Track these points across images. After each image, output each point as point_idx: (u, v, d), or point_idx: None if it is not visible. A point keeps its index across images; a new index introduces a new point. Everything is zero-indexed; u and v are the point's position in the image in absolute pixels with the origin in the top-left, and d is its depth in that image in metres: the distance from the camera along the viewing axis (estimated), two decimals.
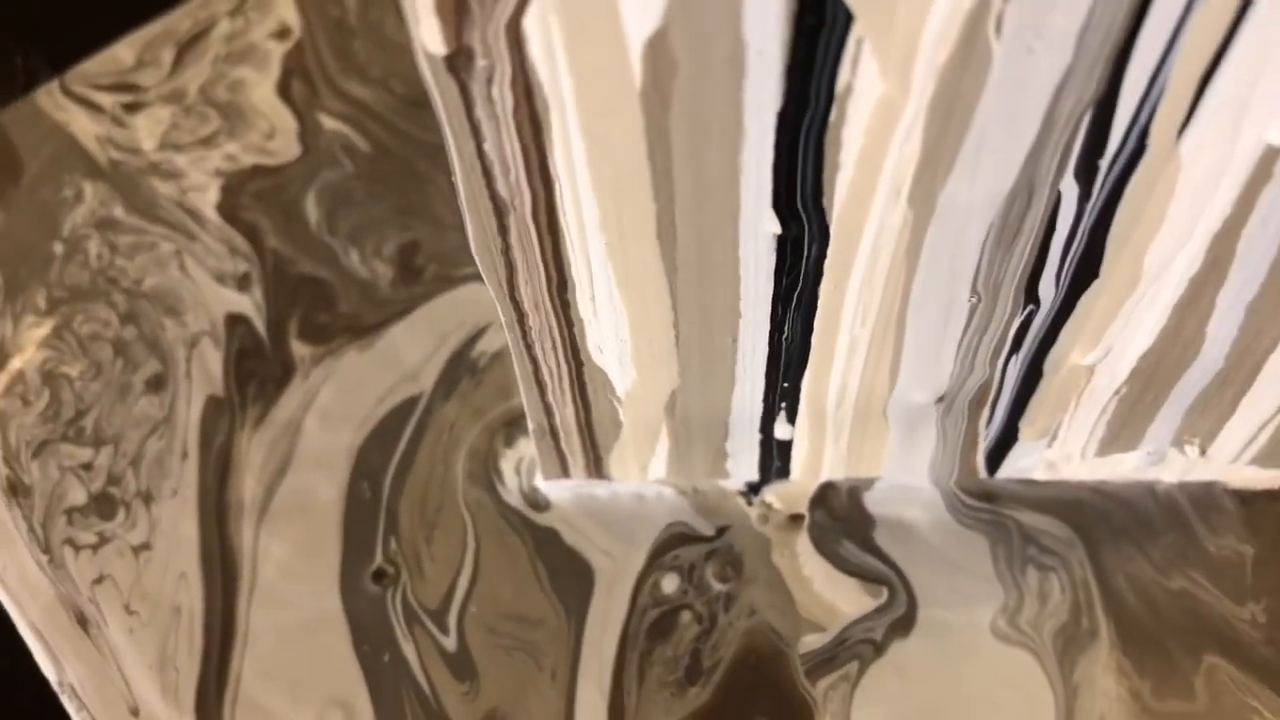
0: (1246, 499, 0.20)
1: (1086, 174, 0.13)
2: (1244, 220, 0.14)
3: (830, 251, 0.15)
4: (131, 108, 0.26)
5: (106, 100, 0.26)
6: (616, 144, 0.13)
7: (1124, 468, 0.20)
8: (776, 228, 0.14)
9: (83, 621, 0.21)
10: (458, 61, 0.12)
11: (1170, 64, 0.12)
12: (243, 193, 0.25)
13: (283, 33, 0.27)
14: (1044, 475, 0.20)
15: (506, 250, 0.15)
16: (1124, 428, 0.18)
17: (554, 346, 0.17)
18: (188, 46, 0.27)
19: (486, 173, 0.14)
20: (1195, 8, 0.12)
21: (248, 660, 0.20)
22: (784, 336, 0.16)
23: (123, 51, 0.27)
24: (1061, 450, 0.19)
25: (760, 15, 0.12)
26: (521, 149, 0.13)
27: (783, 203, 0.14)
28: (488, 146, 0.13)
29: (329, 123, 0.26)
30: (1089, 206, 0.14)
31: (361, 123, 0.26)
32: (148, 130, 0.26)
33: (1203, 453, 0.19)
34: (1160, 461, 0.19)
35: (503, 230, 0.15)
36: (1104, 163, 0.13)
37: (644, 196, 0.14)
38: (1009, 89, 0.12)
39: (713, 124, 0.13)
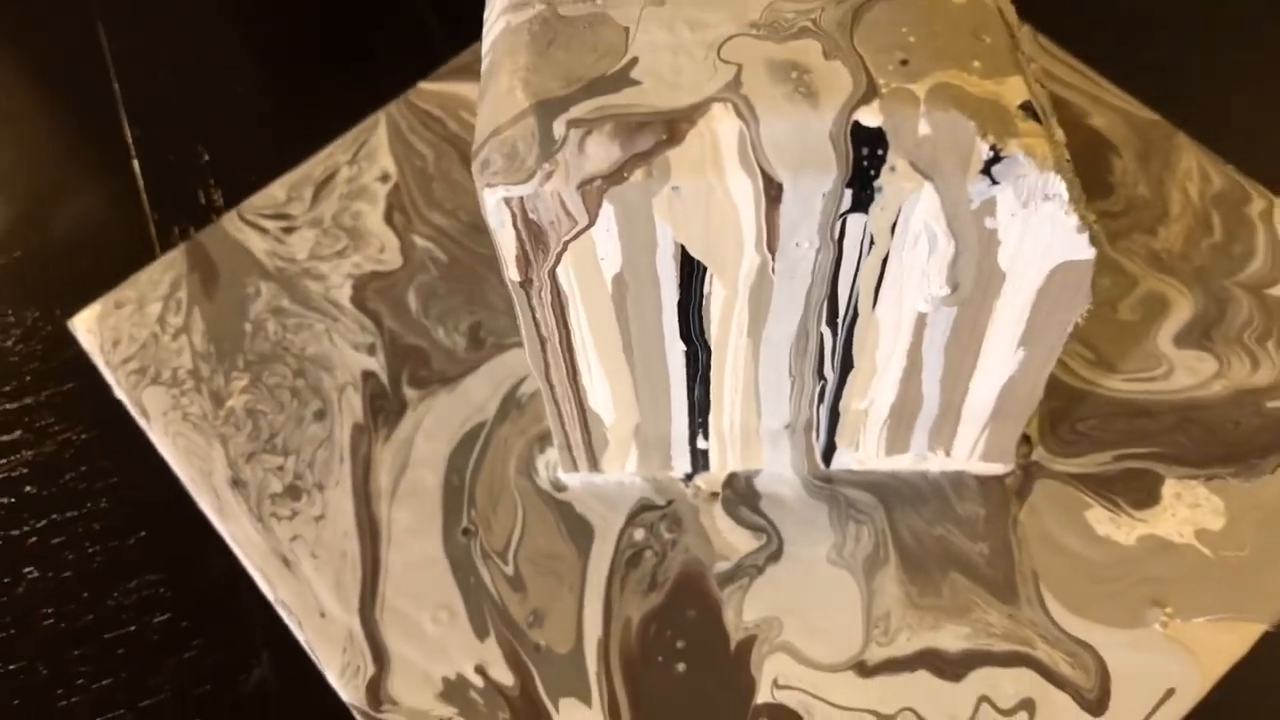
0: (982, 480, 0.34)
1: (831, 324, 0.27)
2: (920, 342, 0.28)
3: (713, 360, 0.28)
4: (287, 230, 0.40)
5: (270, 225, 0.40)
6: (601, 315, 0.27)
7: (905, 462, 0.33)
8: (683, 347, 0.28)
9: (286, 563, 0.34)
10: (524, 283, 0.26)
11: (859, 278, 0.26)
12: (366, 289, 0.38)
13: (385, 177, 0.40)
14: (858, 467, 0.33)
15: (544, 355, 0.29)
16: (896, 441, 0.32)
17: (568, 398, 0.31)
18: (321, 186, 0.40)
19: (535, 324, 0.27)
20: (865, 258, 0.25)
21: (388, 584, 0.34)
22: (695, 395, 0.30)
23: (277, 190, 0.41)
24: (864, 452, 0.33)
25: (666, 266, 0.25)
26: (554, 316, 0.27)
27: (685, 336, 0.27)
28: (537, 315, 0.27)
29: (420, 241, 0.39)
30: (838, 338, 0.27)
31: (441, 241, 0.39)
32: (300, 246, 0.39)
33: (948, 454, 0.33)
34: (925, 460, 0.33)
35: (543, 347, 0.28)
36: (839, 320, 0.27)
37: (615, 336, 0.27)
38: (785, 289, 0.26)
39: (647, 306, 0.26)
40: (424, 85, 0.42)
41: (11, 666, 0.33)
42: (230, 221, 0.40)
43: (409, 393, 0.36)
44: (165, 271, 0.39)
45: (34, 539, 0.35)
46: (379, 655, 0.32)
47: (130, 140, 0.42)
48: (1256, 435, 0.34)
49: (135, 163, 0.42)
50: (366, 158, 0.41)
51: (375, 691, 0.31)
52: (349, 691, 0.32)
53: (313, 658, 0.32)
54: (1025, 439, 0.34)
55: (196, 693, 0.32)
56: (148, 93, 0.44)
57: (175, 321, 0.38)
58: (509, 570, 0.33)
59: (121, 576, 0.34)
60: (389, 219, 0.39)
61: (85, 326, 0.38)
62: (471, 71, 0.42)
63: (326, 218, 0.39)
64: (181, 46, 0.45)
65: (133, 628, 0.33)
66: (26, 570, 0.34)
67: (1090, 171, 0.38)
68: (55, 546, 0.35)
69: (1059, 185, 0.22)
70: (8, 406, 0.37)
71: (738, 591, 0.32)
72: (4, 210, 0.41)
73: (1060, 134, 0.24)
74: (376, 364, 0.37)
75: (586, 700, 0.31)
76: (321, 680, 0.32)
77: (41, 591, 0.34)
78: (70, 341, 0.38)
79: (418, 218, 0.39)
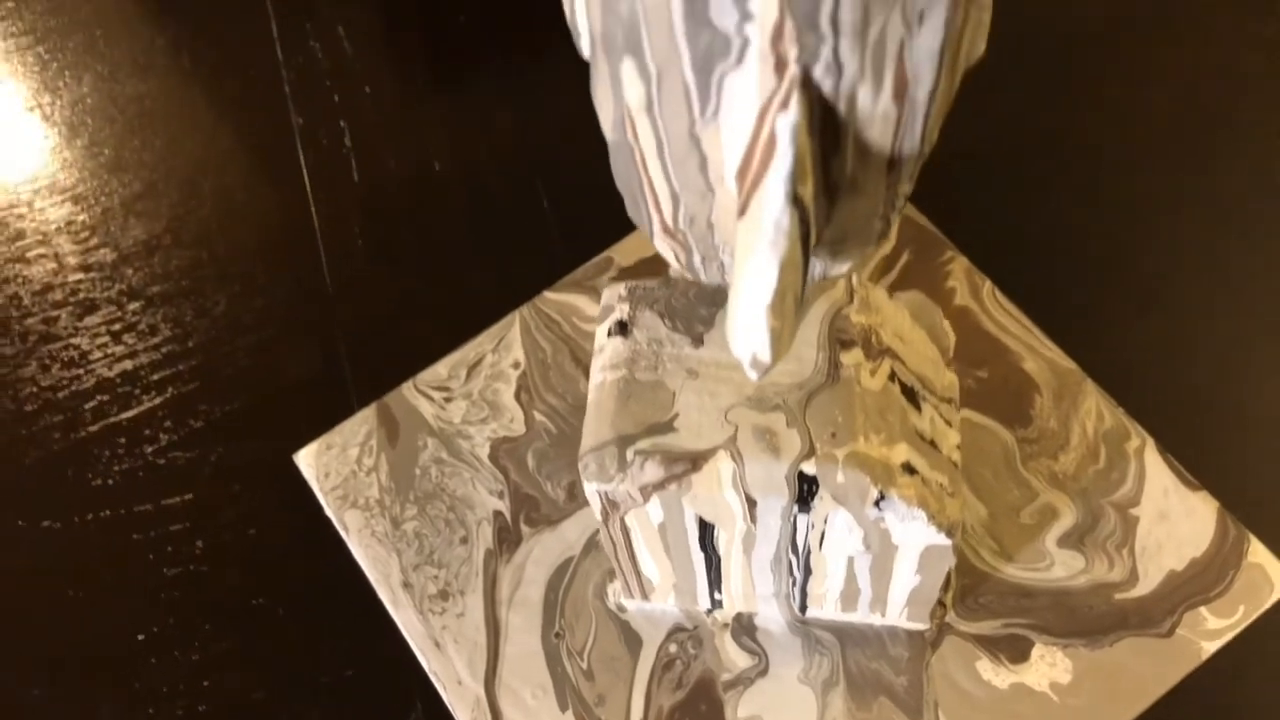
0: (909, 632, 0.49)
1: (794, 554, 0.43)
2: (853, 567, 0.43)
3: (722, 563, 0.44)
4: (447, 399, 0.56)
5: (435, 395, 0.56)
6: (650, 538, 0.43)
7: (855, 616, 0.49)
8: (703, 555, 0.44)
9: (437, 645, 0.51)
10: (605, 521, 0.42)
11: (809, 538, 0.41)
12: (499, 450, 0.55)
13: (516, 364, 0.57)
14: (824, 616, 0.49)
15: (614, 546, 0.45)
16: (847, 606, 0.48)
17: (630, 567, 0.47)
18: (472, 368, 0.57)
19: (610, 536, 0.43)
20: (811, 531, 0.41)
21: (504, 666, 0.50)
22: (711, 576, 0.46)
23: (441, 368, 0.57)
24: (827, 609, 0.48)
25: (690, 521, 0.41)
26: (622, 535, 0.43)
27: (703, 549, 0.43)
28: (612, 534, 0.43)
29: (538, 415, 0.55)
30: (799, 562, 0.43)
31: (553, 417, 0.55)
32: (455, 412, 0.56)
33: (883, 615, 0.48)
34: (868, 617, 0.49)
35: (614, 544, 0.44)
36: (799, 554, 0.42)
37: (659, 547, 0.43)
38: (763, 540, 0.42)
39: (678, 537, 0.42)
40: (548, 294, 0.58)
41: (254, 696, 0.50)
42: (408, 389, 0.56)
43: (524, 529, 0.53)
44: (361, 424, 0.56)
45: (264, 611, 0.52)
46: (496, 716, 0.49)
47: (333, 320, 0.59)
48: (1104, 618, 0.49)
49: (339, 338, 0.59)
50: (504, 348, 0.57)
51: None
52: None
53: (452, 712, 0.49)
54: (942, 604, 0.49)
55: None
56: (347, 275, 0.60)
57: (368, 462, 0.55)
58: (584, 665, 0.50)
59: (326, 645, 0.51)
60: (518, 397, 0.56)
61: (306, 460, 0.55)
62: (582, 286, 0.58)
63: (474, 392, 0.56)
64: (374, 237, 0.62)
65: (326, 679, 0.51)
66: (244, 631, 0.52)
67: (1016, 405, 0.53)
68: (280, 618, 0.52)
69: (922, 514, 0.38)
70: (247, 514, 0.55)
71: (735, 695, 0.49)
72: (244, 362, 0.59)
73: (949, 447, 0.40)
74: (504, 506, 0.53)
75: None
76: None
77: (261, 652, 0.51)
78: (295, 470, 0.55)
79: (538, 397, 0.56)
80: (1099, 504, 0.51)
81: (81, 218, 0.63)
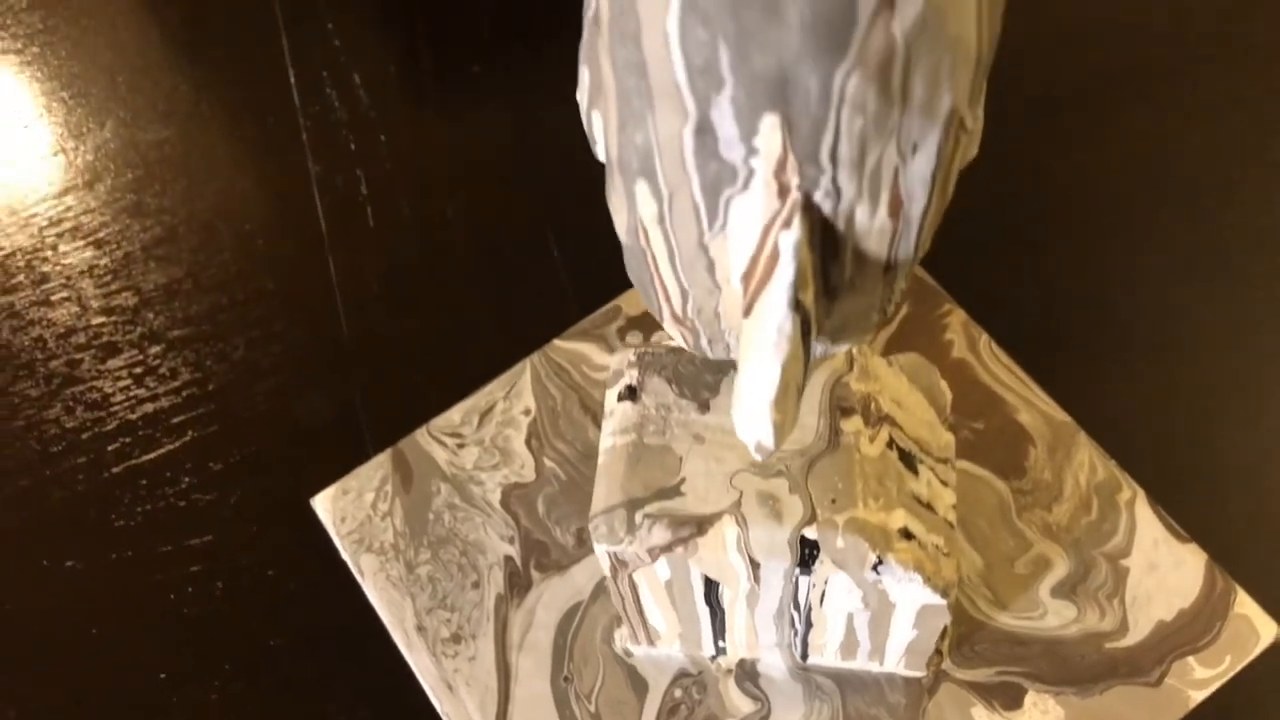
0: (906, 679, 0.51)
1: (796, 609, 0.44)
2: (852, 623, 0.45)
3: (725, 615, 0.46)
4: (460, 446, 0.58)
5: (448, 441, 0.58)
6: (658, 594, 0.44)
7: (855, 664, 0.51)
8: (708, 608, 0.46)
9: (449, 687, 0.53)
10: (614, 578, 0.44)
11: (810, 596, 0.43)
12: (510, 496, 0.56)
13: (527, 411, 0.59)
14: (825, 664, 0.51)
15: (622, 599, 0.47)
16: (847, 654, 0.49)
17: (636, 615, 0.49)
18: (484, 415, 0.59)
19: (619, 590, 0.45)
20: (811, 590, 0.42)
21: (514, 709, 0.52)
22: (715, 626, 0.48)
23: (454, 414, 0.59)
24: (827, 657, 0.50)
25: (696, 579, 0.43)
26: (630, 590, 0.45)
27: (708, 603, 0.45)
28: (621, 589, 0.45)
29: (548, 462, 0.57)
30: (801, 616, 0.45)
31: (562, 464, 0.57)
32: (468, 458, 0.58)
33: (882, 663, 0.50)
34: (867, 664, 0.50)
35: (623, 597, 0.46)
36: (800, 609, 0.44)
37: (666, 601, 0.45)
38: (766, 597, 0.43)
39: (684, 592, 0.44)
40: (558, 342, 0.60)
41: None
42: (422, 435, 0.58)
43: (534, 574, 0.54)
44: (376, 470, 0.57)
45: (281, 651, 0.54)
46: None
47: (349, 365, 0.61)
48: (1094, 666, 0.50)
49: (354, 382, 0.60)
50: (515, 395, 0.59)
51: None
52: None
53: None
54: (939, 652, 0.51)
55: None
56: (362, 320, 0.62)
57: (383, 507, 0.57)
58: (592, 708, 0.51)
59: (341, 686, 0.53)
60: (528, 443, 0.57)
61: (323, 505, 0.57)
62: (590, 335, 0.60)
63: (486, 439, 0.58)
64: (389, 283, 0.63)
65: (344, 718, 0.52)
66: (275, 668, 0.54)
67: (1011, 457, 0.55)
68: (296, 659, 0.54)
69: (918, 577, 0.40)
70: (265, 556, 0.56)
71: None
72: (262, 406, 0.60)
73: (945, 507, 0.42)
74: (514, 551, 0.55)
75: None
76: None
77: (271, 685, 0.53)
78: (312, 514, 0.57)
79: (548, 444, 0.57)
80: (1091, 555, 0.52)
81: (104, 261, 0.65)
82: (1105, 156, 0.64)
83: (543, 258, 0.63)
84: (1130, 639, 0.51)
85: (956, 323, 0.58)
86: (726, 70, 0.23)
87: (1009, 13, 0.28)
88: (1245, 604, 0.51)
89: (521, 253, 0.63)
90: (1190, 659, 0.50)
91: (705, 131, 0.25)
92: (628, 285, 0.61)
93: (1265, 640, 0.50)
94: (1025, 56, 0.65)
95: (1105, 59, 0.67)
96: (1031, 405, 0.56)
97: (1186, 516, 0.53)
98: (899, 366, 0.44)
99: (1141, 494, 0.54)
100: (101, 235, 0.66)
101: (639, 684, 0.51)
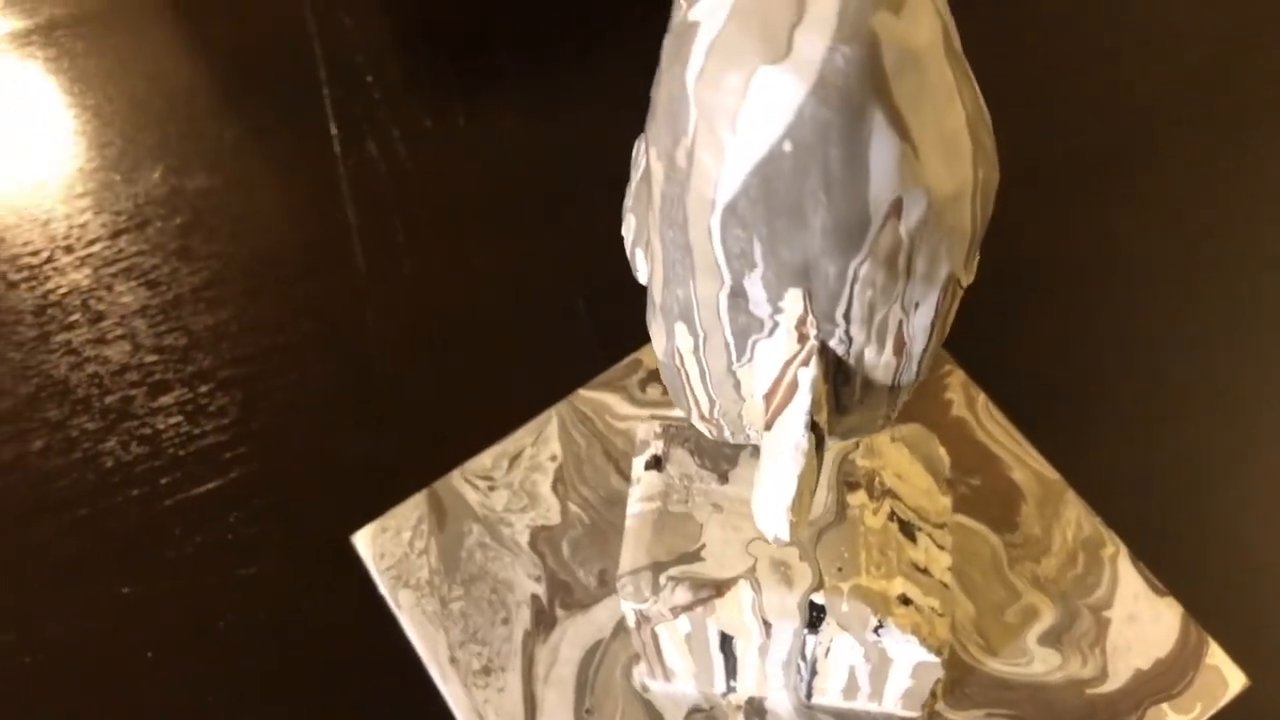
0: (903, 718, 0.55)
1: (803, 660, 0.49)
2: (855, 671, 0.49)
3: (738, 663, 0.50)
4: (491, 488, 0.62)
5: (480, 483, 0.62)
6: (677, 644, 0.49)
7: (856, 704, 0.55)
8: (722, 658, 0.50)
9: (480, 717, 0.57)
10: (639, 630, 0.48)
11: (816, 650, 0.47)
12: (538, 537, 0.61)
13: (553, 457, 0.63)
14: (828, 703, 0.55)
15: (643, 646, 0.51)
16: (848, 696, 0.54)
17: (655, 657, 0.53)
18: (514, 460, 0.63)
19: (641, 639, 0.49)
20: (818, 646, 0.47)
21: None
22: (728, 672, 0.52)
23: (485, 459, 0.63)
24: (830, 697, 0.54)
25: (713, 632, 0.47)
26: (652, 641, 0.49)
27: (723, 652, 0.49)
28: (643, 639, 0.49)
29: (573, 506, 0.61)
30: (807, 664, 0.49)
31: (586, 508, 0.61)
32: (498, 501, 0.62)
33: (880, 704, 0.54)
34: (867, 705, 0.55)
35: (642, 643, 0.50)
36: (806, 660, 0.48)
37: (684, 650, 0.49)
38: (775, 648, 0.48)
39: (701, 644, 0.48)
40: (582, 392, 0.64)
41: None
42: (456, 478, 0.62)
43: (559, 612, 0.59)
44: (413, 510, 0.62)
45: (322, 681, 0.58)
46: None
47: (385, 407, 0.65)
48: (1076, 710, 0.54)
49: (391, 424, 0.65)
50: (543, 442, 0.63)
51: None
52: None
53: None
54: (933, 694, 0.55)
55: None
56: (398, 365, 0.66)
57: (419, 545, 0.61)
58: None
59: (377, 715, 0.57)
60: (554, 488, 0.62)
61: (363, 542, 0.61)
62: (613, 386, 0.64)
63: (515, 482, 0.62)
64: (423, 330, 0.67)
65: None
66: (300, 693, 0.58)
67: (1004, 512, 0.59)
68: (335, 688, 0.58)
69: (914, 638, 0.44)
70: (306, 589, 0.61)
71: None
72: (303, 445, 0.65)
73: (940, 570, 0.46)
74: (541, 590, 0.59)
75: None
76: None
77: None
78: (351, 549, 0.61)
79: (573, 489, 0.62)
80: (1076, 605, 0.57)
81: (155, 302, 0.69)
82: (1099, 230, 0.68)
83: (569, 311, 0.67)
84: (1110, 686, 0.55)
85: (956, 383, 0.62)
86: (759, 258, 0.28)
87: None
88: (1216, 655, 0.55)
89: (550, 306, 0.67)
90: (1165, 705, 0.54)
91: (738, 295, 0.29)
92: (646, 339, 0.65)
93: (1233, 690, 0.54)
94: (1020, 127, 0.70)
95: (1099, 128, 0.71)
96: (1024, 464, 0.60)
97: (1165, 572, 0.57)
98: (901, 439, 0.48)
99: (1124, 550, 0.58)
100: (153, 277, 0.70)
101: (655, 717, 0.56)
